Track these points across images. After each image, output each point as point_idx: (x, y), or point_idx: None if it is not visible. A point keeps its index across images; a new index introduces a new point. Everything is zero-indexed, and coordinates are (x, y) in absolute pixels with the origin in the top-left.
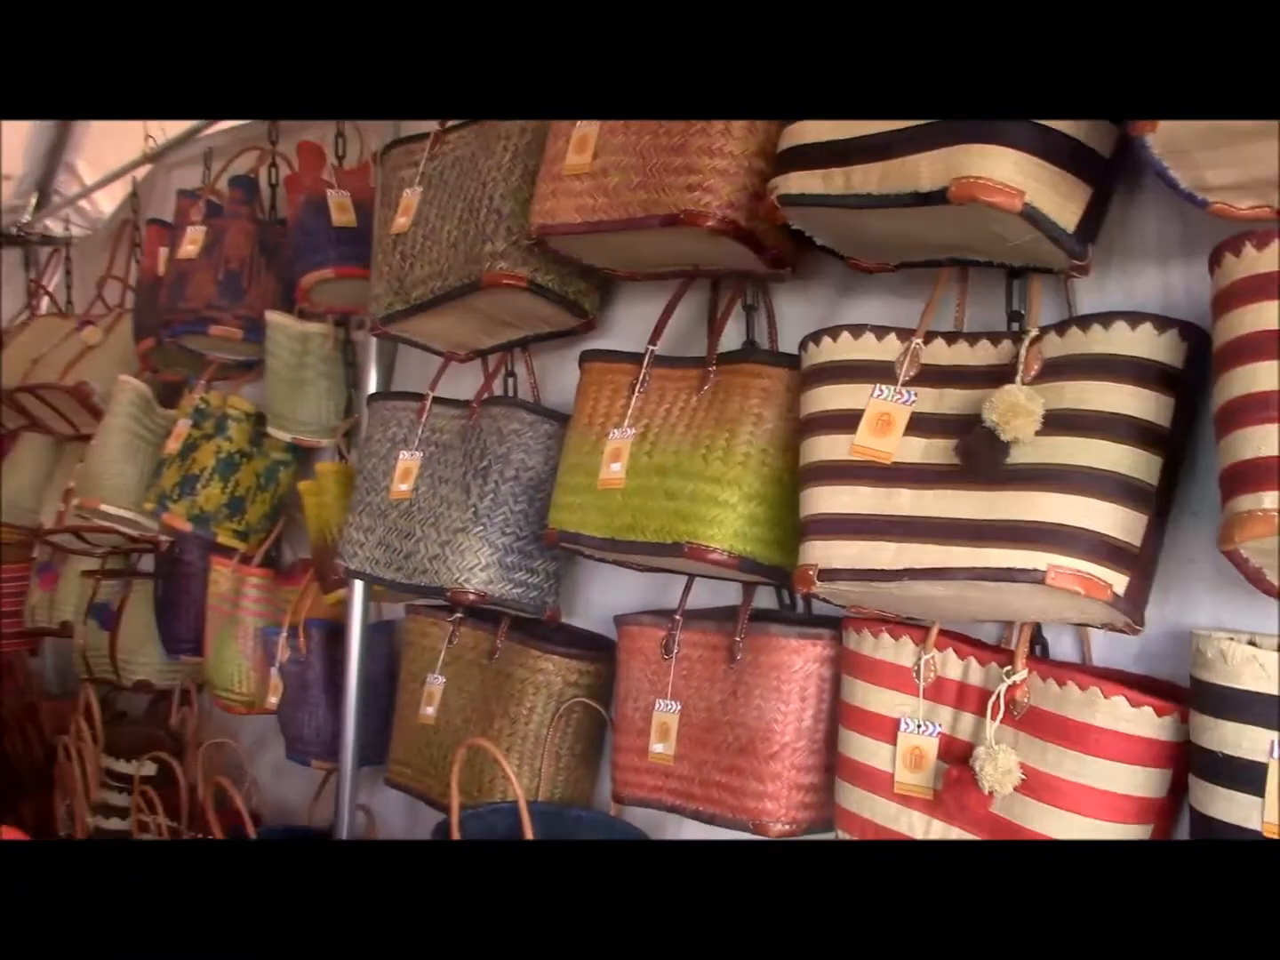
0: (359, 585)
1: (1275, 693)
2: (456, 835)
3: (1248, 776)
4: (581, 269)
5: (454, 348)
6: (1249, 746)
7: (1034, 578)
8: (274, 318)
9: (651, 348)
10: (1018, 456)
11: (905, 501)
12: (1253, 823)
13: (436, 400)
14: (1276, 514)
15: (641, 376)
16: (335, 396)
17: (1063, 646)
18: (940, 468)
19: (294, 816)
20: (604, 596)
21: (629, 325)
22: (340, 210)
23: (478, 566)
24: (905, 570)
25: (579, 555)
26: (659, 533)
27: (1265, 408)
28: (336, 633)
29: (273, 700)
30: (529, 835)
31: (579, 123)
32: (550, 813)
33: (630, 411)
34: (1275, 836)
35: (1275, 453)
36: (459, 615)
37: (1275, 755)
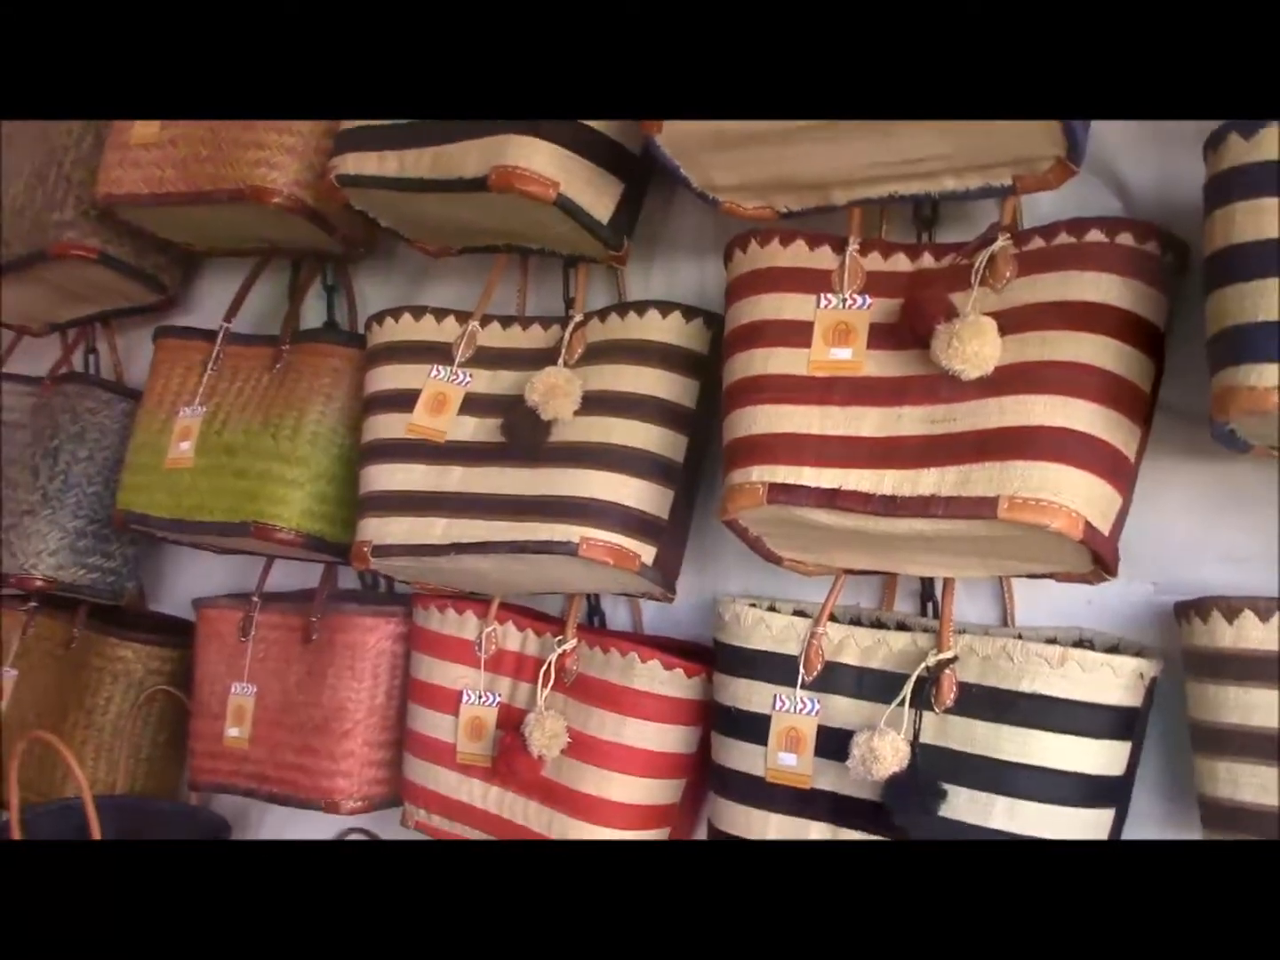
0: None
1: (780, 651)
2: (17, 834)
3: (755, 728)
4: (159, 243)
5: (26, 321)
6: (757, 701)
7: (568, 549)
8: None
9: (226, 325)
10: (558, 435)
11: (456, 479)
12: (757, 770)
13: (6, 377)
14: (762, 487)
15: (214, 354)
16: None
17: (620, 617)
18: (489, 446)
19: None
20: (190, 581)
21: (214, 302)
22: None
23: (46, 551)
24: (453, 545)
25: (152, 538)
26: (227, 512)
27: (757, 390)
28: None
29: None
30: (95, 832)
31: None
32: (128, 806)
33: (201, 389)
34: (774, 782)
35: (761, 431)
36: (34, 604)
37: (777, 708)
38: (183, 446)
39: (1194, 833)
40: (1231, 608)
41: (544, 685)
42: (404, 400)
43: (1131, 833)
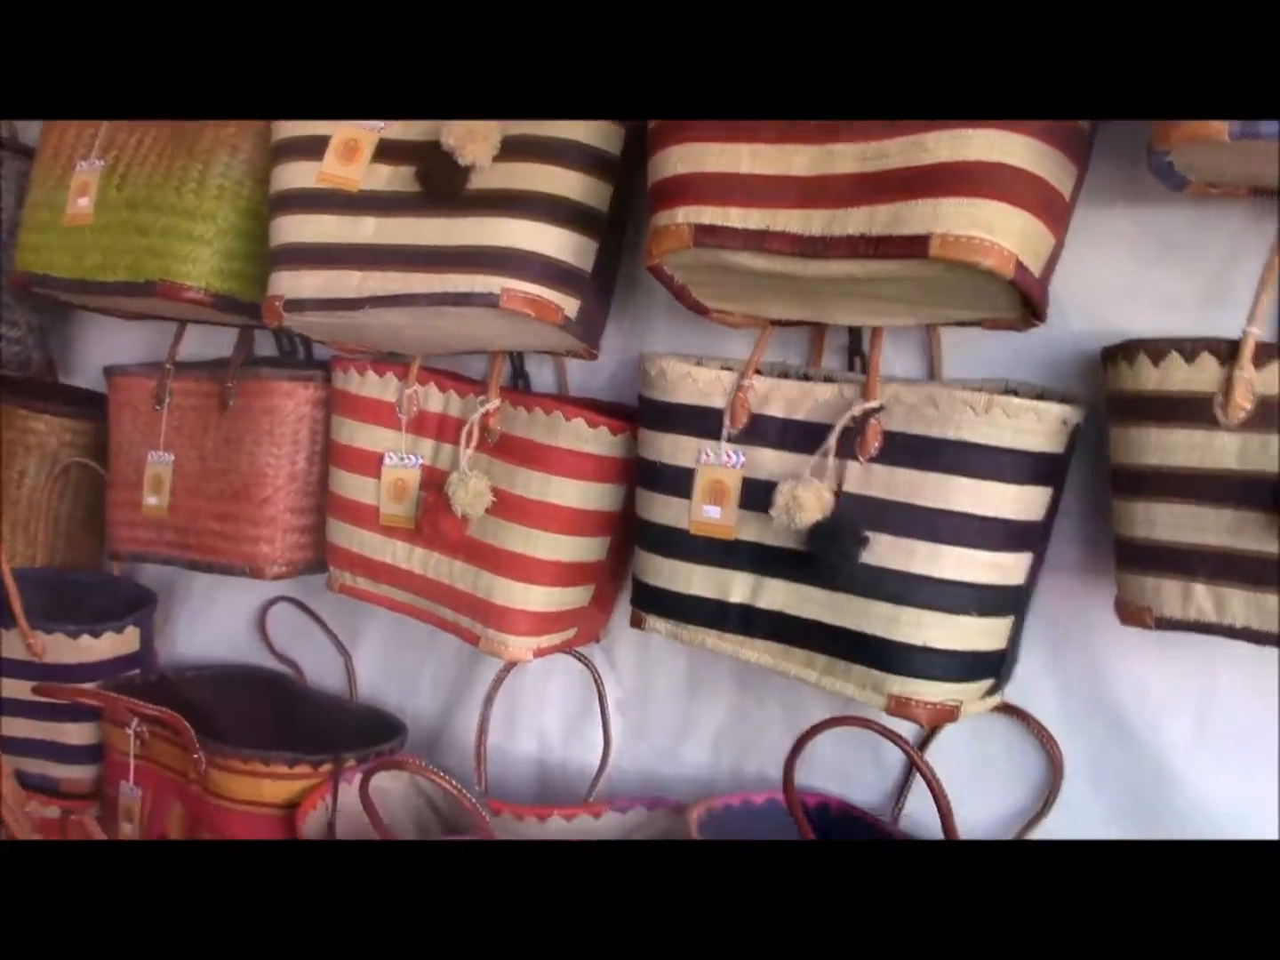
0: None
1: (705, 404)
2: None
3: (679, 482)
4: None
5: None
6: (682, 454)
7: (489, 301)
8: None
9: None
10: (477, 182)
11: (370, 229)
12: (681, 523)
13: None
14: (688, 228)
15: None
16: None
17: (545, 380)
18: (405, 195)
19: None
20: (101, 351)
21: None
22: None
23: None
24: (369, 298)
25: (55, 301)
26: (130, 271)
27: (683, 128)
28: None
29: None
30: (15, 604)
31: None
32: (48, 578)
33: (99, 140)
34: (698, 534)
35: (687, 170)
36: None
37: (702, 461)
38: (81, 202)
39: (1107, 578)
40: (1157, 349)
41: (467, 445)
42: (314, 148)
43: (1046, 577)
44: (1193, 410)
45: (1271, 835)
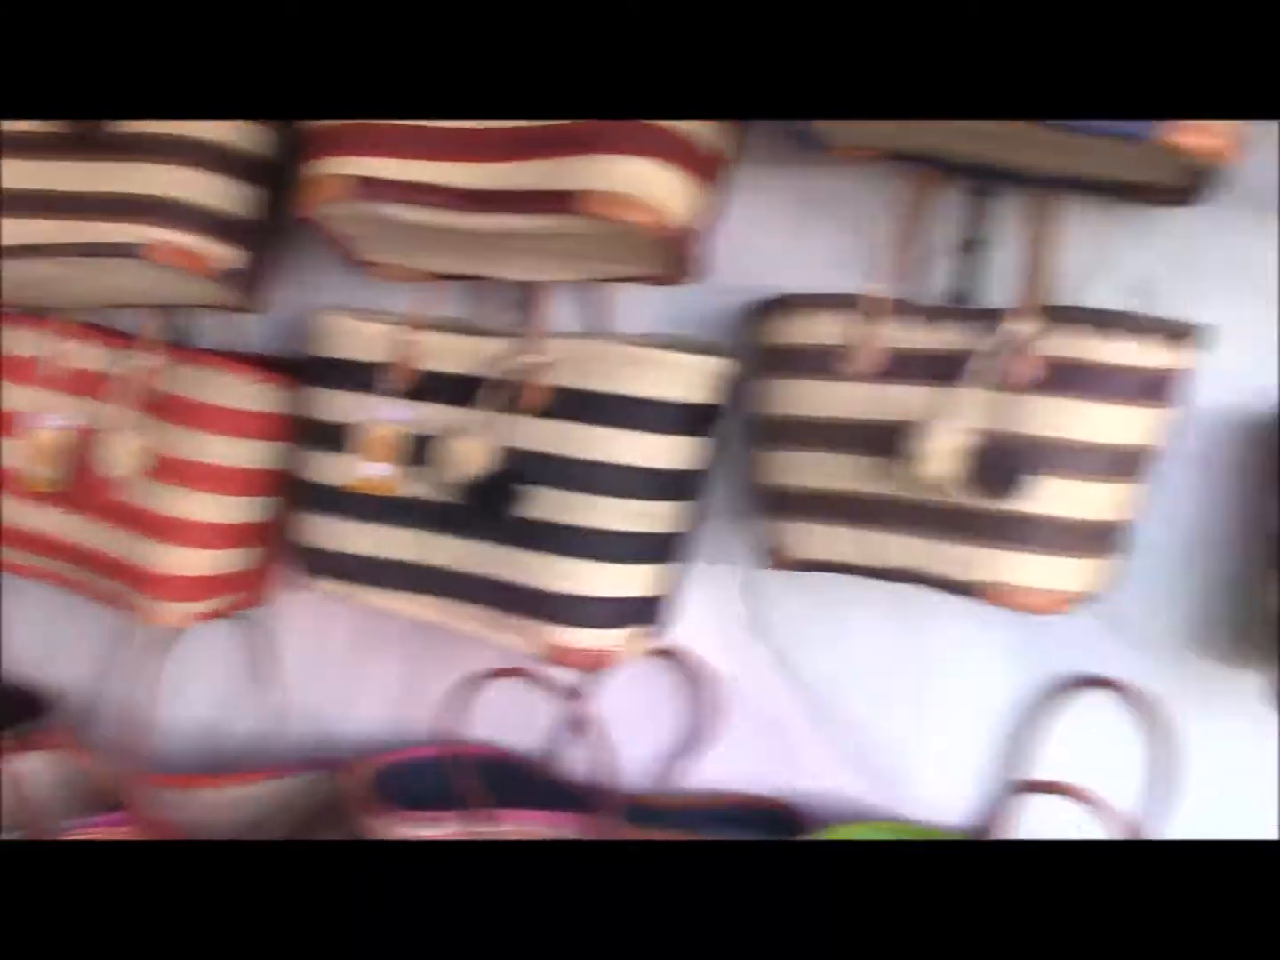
0: None
1: (370, 360)
2: None
3: (341, 439)
4: None
5: None
6: (344, 411)
7: (134, 252)
8: None
9: None
10: (129, 125)
11: (13, 175)
12: (344, 481)
13: None
14: (343, 180)
15: None
16: None
17: (209, 334)
18: (46, 136)
19: None
20: None
21: None
22: None
23: None
24: (8, 248)
25: None
26: None
27: None
28: None
29: None
30: None
31: None
32: None
33: None
34: (361, 492)
35: (350, 119)
36: None
37: (366, 417)
38: None
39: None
40: (796, 304)
41: (121, 403)
42: None
43: (708, 523)
44: (826, 362)
45: (915, 753)
